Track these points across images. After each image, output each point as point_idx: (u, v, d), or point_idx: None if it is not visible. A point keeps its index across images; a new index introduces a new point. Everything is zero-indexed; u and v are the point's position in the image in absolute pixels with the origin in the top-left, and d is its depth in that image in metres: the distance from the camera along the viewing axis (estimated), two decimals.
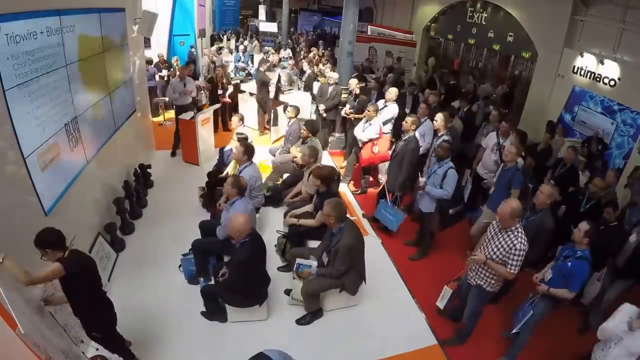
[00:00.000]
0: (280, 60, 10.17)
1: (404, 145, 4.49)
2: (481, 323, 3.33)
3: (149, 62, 8.11)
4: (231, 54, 12.68)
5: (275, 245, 4.25)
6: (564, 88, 7.55)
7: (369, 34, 12.28)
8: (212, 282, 3.57)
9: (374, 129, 5.25)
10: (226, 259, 3.64)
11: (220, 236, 3.58)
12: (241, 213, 3.17)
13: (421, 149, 4.76)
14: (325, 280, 3.35)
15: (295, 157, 5.07)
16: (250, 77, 9.38)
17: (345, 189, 5.85)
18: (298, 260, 3.61)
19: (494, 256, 2.85)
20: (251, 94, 7.74)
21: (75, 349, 2.53)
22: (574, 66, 7.31)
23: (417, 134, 4.67)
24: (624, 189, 5.20)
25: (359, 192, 5.85)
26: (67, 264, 2.23)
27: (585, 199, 4.18)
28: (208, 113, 6.36)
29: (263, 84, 7.28)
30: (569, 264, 2.89)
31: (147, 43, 7.78)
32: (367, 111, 5.32)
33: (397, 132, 5.68)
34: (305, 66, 9.43)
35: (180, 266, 3.85)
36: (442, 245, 4.71)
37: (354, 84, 6.57)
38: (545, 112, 7.86)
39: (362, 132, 5.34)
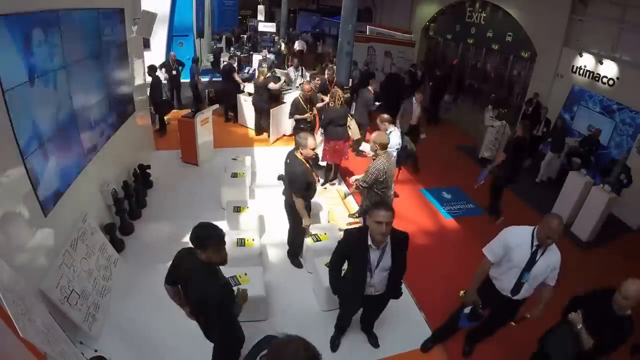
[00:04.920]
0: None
1: None
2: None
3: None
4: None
5: None
6: (563, 87, 7.57)
7: (367, 34, 12.27)
8: None
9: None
10: None
11: None
12: None
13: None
14: None
15: None
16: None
17: None
18: None
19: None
20: (250, 94, 7.72)
21: (75, 350, 2.53)
22: (573, 66, 7.32)
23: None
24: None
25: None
26: None
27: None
28: (207, 113, 6.35)
29: (266, 88, 7.20)
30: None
31: (146, 44, 7.66)
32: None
33: None
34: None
35: None
36: (442, 244, 4.72)
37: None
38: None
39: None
